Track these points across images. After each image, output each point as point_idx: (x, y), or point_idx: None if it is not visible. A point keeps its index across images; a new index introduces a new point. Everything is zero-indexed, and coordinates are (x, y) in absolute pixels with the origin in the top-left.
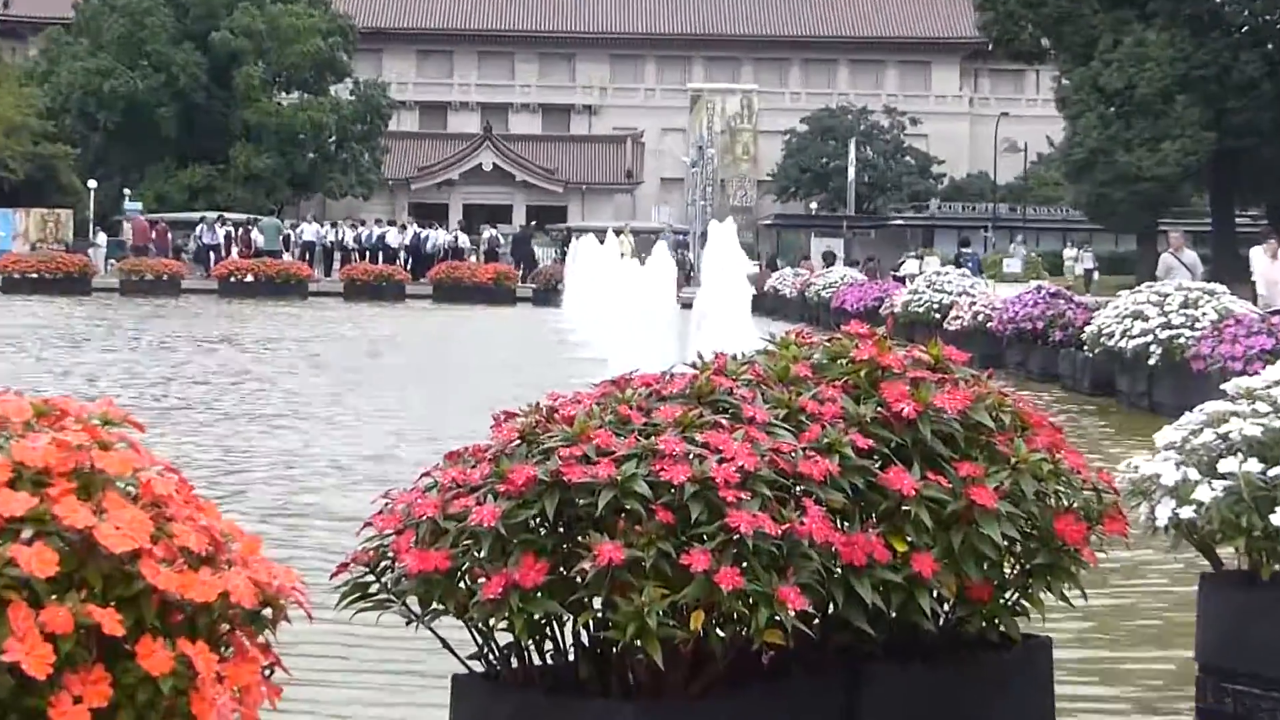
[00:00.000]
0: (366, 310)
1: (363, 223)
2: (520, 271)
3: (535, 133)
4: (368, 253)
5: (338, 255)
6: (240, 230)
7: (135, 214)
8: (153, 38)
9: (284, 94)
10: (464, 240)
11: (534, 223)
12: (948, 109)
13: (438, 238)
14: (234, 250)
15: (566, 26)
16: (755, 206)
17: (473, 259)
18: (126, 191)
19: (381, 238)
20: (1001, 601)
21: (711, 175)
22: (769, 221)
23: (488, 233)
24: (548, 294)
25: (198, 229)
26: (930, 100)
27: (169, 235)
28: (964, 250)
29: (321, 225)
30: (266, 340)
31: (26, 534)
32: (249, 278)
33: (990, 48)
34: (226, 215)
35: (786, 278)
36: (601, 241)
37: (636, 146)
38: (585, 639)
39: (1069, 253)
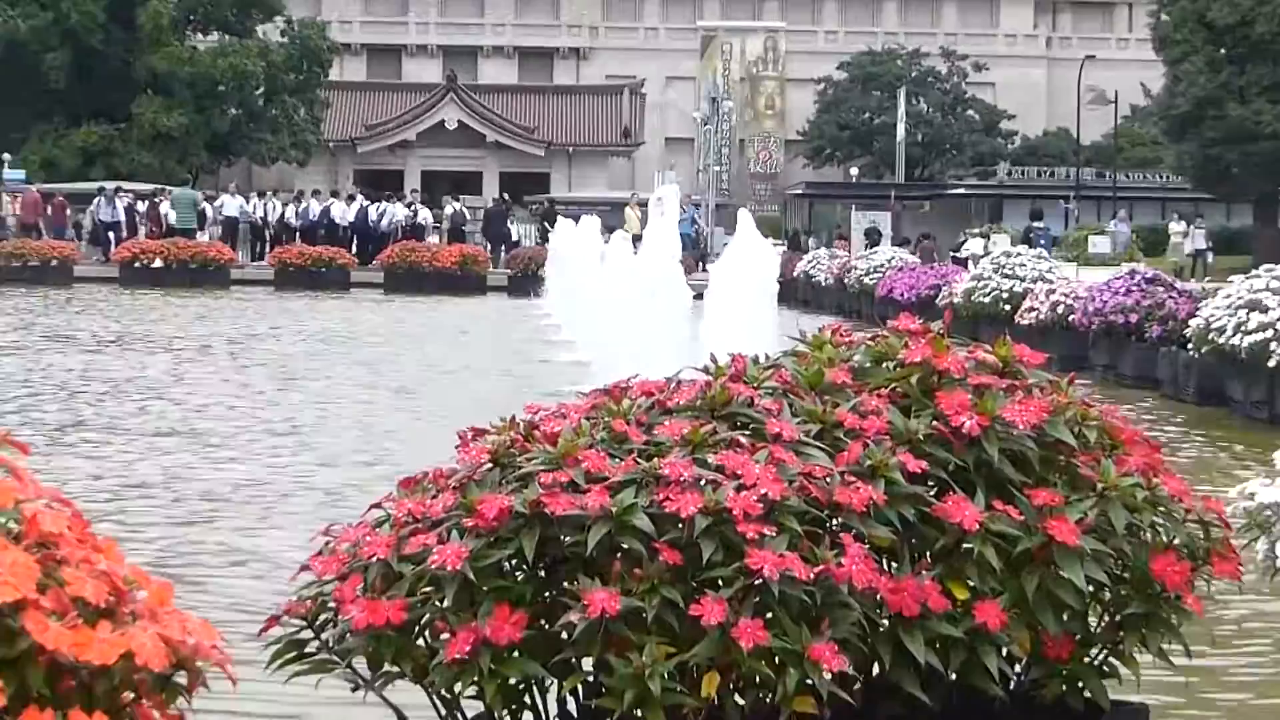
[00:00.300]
0: (300, 302)
1: (306, 194)
2: (492, 254)
3: (510, 82)
4: (308, 232)
5: (268, 235)
6: (147, 204)
7: (18, 185)
8: None
9: (199, 36)
10: (424, 215)
11: (506, 196)
12: (1019, 51)
13: (395, 213)
14: (140, 229)
15: None
16: (782, 173)
17: (434, 239)
18: (5, 157)
19: (326, 212)
20: (1086, 660)
21: (728, 135)
22: (799, 191)
23: (451, 207)
24: (525, 281)
25: (94, 203)
26: (998, 41)
27: (67, 211)
28: (1035, 225)
29: (247, 198)
30: (172, 340)
31: None
32: (157, 262)
33: None
34: (128, 186)
35: (821, 260)
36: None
37: (635, 99)
38: (573, 708)
39: (1176, 227)
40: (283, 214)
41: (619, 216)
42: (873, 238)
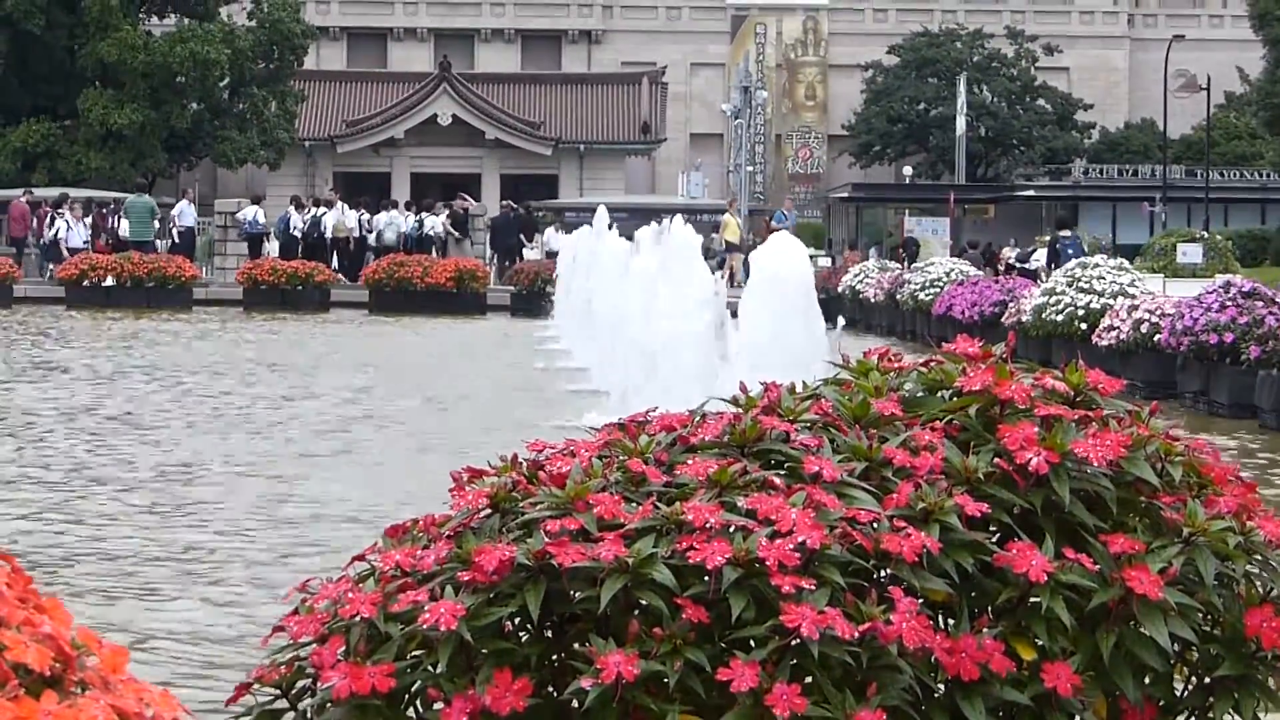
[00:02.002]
0: (270, 325)
1: (320, 203)
2: (499, 269)
3: (512, 71)
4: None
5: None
6: (95, 213)
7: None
8: None
9: (154, 20)
10: (435, 224)
11: (509, 203)
12: (1097, 31)
13: (396, 222)
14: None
15: None
16: (825, 173)
17: (462, 249)
18: None
19: (317, 223)
20: None
21: (762, 129)
22: (845, 194)
23: (441, 216)
24: (531, 299)
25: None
26: (1073, 19)
27: (111, 221)
28: (1062, 235)
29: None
30: (126, 369)
31: None
32: (109, 280)
33: None
34: (71, 193)
35: (869, 273)
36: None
37: (656, 89)
38: None
39: None
40: (297, 221)
41: (637, 224)
42: (910, 249)
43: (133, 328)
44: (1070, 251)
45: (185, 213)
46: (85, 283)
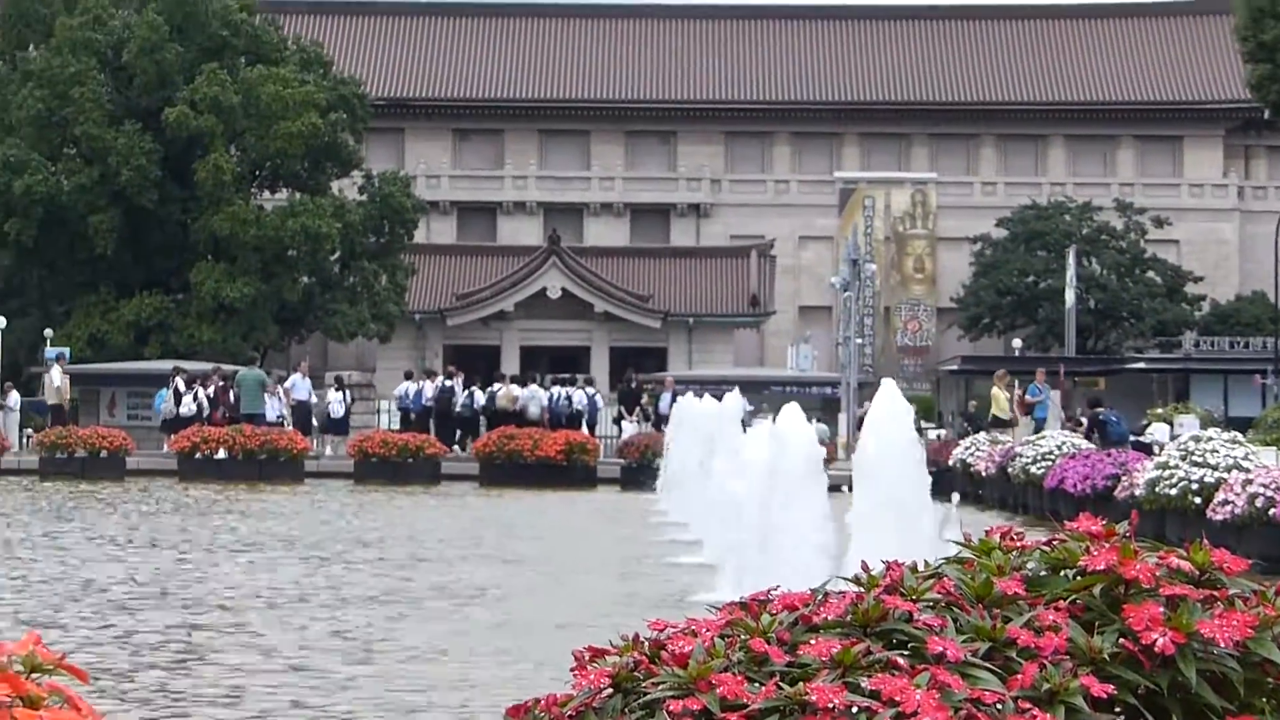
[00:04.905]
0: (379, 497)
1: (450, 375)
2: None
3: (620, 244)
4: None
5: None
6: (215, 387)
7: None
8: (82, 116)
9: (266, 194)
10: (582, 398)
11: (633, 374)
12: (1207, 203)
13: (538, 395)
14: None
15: (662, 94)
16: (934, 346)
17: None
18: (47, 333)
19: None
20: None
21: (871, 302)
22: (954, 367)
23: (555, 389)
24: (640, 472)
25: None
26: (1182, 192)
27: (230, 394)
28: (1100, 411)
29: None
30: (243, 542)
31: None
32: (220, 453)
33: (1267, 115)
34: (184, 365)
35: (980, 445)
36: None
37: (764, 262)
38: None
39: None
40: (429, 390)
41: (746, 397)
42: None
43: (290, 505)
44: (1115, 420)
45: (299, 386)
46: (196, 455)
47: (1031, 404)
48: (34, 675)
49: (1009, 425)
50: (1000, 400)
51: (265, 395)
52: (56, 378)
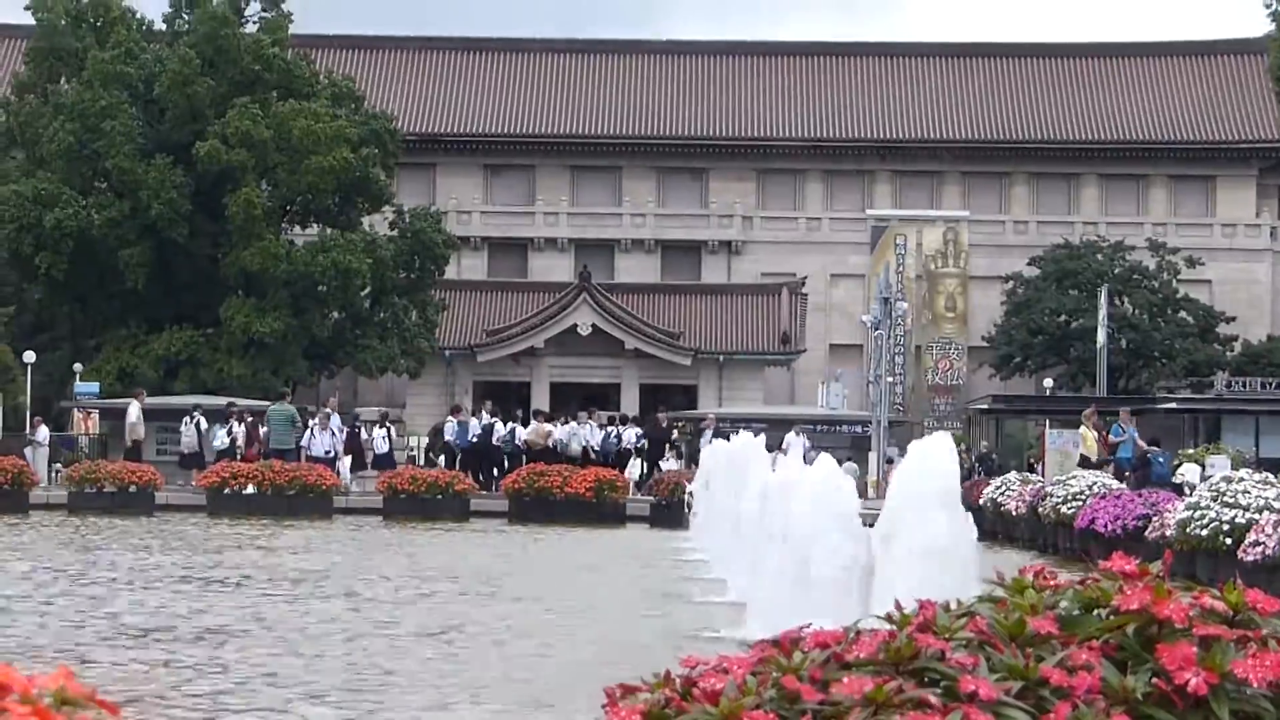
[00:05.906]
0: (407, 535)
1: (493, 412)
2: (645, 479)
3: (652, 281)
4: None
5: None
6: (245, 423)
7: (92, 400)
8: (113, 149)
9: (297, 229)
10: (591, 433)
11: (665, 411)
12: (1240, 244)
13: (579, 434)
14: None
15: (694, 130)
16: (965, 385)
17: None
18: (77, 367)
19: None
20: None
21: (902, 340)
22: (984, 406)
23: (587, 426)
24: (670, 511)
25: (192, 424)
26: (1214, 232)
27: (259, 430)
28: (1152, 450)
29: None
30: (273, 576)
31: None
32: (250, 489)
33: None
34: (202, 401)
35: (1011, 485)
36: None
37: (795, 300)
38: None
39: None
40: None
41: (777, 435)
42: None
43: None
44: (1160, 462)
45: (332, 421)
46: (225, 490)
47: (1115, 444)
48: (64, 709)
49: (1098, 466)
50: (1089, 440)
51: (316, 430)
52: (134, 414)
